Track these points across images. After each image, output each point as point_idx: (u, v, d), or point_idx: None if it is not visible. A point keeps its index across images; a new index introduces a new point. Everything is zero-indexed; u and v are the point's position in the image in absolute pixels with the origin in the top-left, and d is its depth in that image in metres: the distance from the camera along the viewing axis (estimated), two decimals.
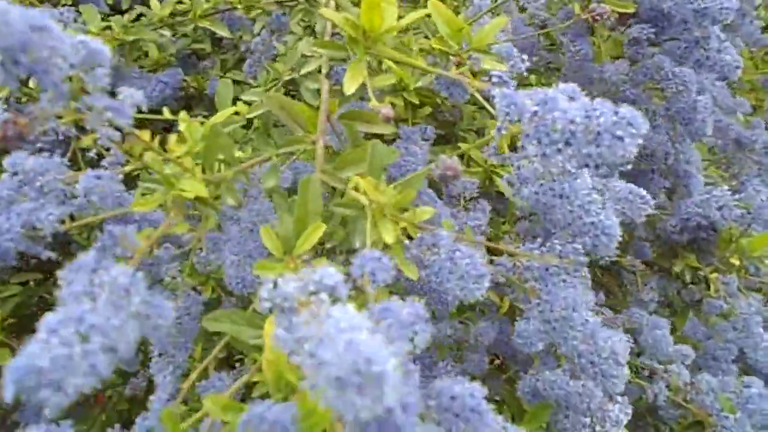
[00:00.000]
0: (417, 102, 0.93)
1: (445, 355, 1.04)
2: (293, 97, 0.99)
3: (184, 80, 1.38)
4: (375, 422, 0.35)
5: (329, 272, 0.37)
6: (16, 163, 0.58)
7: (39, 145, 0.61)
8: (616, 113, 0.45)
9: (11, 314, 1.16)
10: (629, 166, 0.85)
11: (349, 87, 0.59)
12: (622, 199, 0.78)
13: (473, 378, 1.06)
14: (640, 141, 0.46)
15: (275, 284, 0.37)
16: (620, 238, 0.62)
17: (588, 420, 0.79)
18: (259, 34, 1.21)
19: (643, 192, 0.77)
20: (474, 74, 0.65)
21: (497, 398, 1.10)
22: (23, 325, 1.20)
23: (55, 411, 0.35)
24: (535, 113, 0.47)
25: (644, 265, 1.23)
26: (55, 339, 0.35)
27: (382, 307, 0.40)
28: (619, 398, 0.82)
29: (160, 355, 0.78)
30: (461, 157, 0.98)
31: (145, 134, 0.52)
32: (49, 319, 0.36)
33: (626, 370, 0.82)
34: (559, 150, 0.47)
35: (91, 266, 0.41)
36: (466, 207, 0.88)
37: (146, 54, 1.39)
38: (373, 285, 0.44)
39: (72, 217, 0.59)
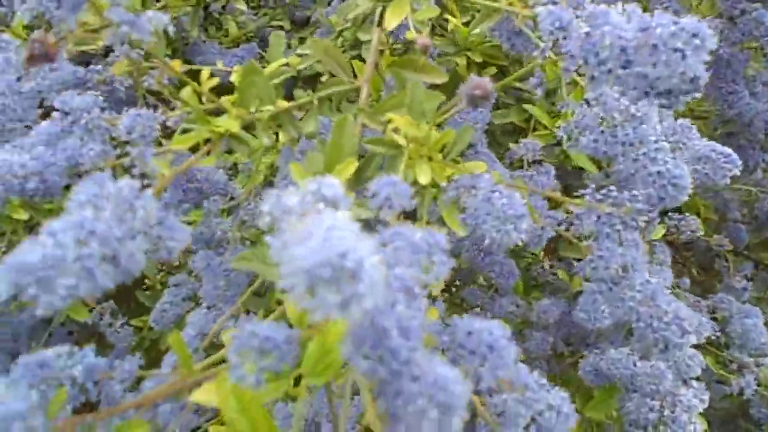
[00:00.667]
0: (480, 60, 0.88)
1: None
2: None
3: (261, 54, 1.40)
4: (369, 342, 0.31)
5: (328, 182, 0.34)
6: (65, 101, 0.60)
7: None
8: (676, 23, 0.39)
9: None
10: (716, 131, 0.76)
11: (391, 22, 0.56)
12: (702, 158, 0.69)
13: (535, 359, 1.00)
14: (707, 57, 0.39)
15: (277, 198, 0.35)
16: (691, 198, 0.54)
17: (656, 404, 0.72)
18: (329, 4, 1.21)
19: (729, 150, 0.68)
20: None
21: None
22: None
23: (49, 311, 0.34)
24: (583, 31, 0.41)
25: (735, 255, 1.11)
26: (51, 240, 0.34)
27: (393, 231, 0.37)
28: (694, 383, 0.74)
29: (208, 308, 0.79)
30: (528, 120, 0.92)
31: (176, 64, 0.51)
32: (51, 224, 0.36)
33: (702, 358, 0.74)
34: (610, 71, 0.41)
35: (103, 180, 0.40)
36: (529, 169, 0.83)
37: (227, 32, 1.42)
38: (389, 211, 0.40)
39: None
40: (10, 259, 0.33)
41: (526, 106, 0.88)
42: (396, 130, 0.56)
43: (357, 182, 0.59)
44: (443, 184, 0.52)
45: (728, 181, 0.70)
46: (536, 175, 0.82)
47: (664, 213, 0.97)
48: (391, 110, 0.58)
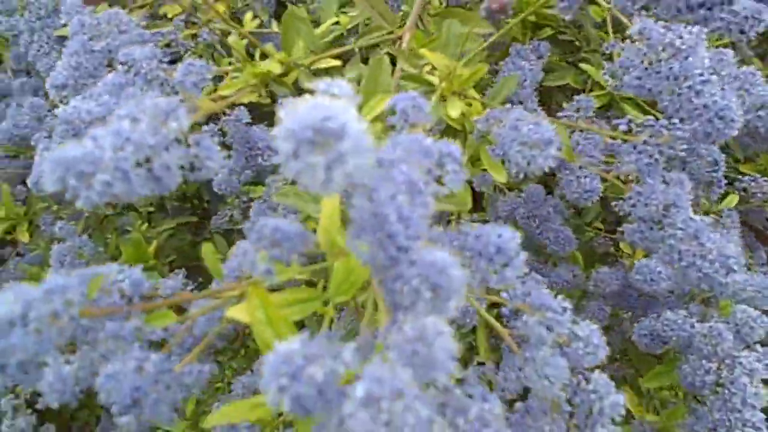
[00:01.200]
0: (534, 20, 0.87)
1: None
2: None
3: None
4: (369, 228, 0.32)
5: (338, 83, 0.35)
6: (128, 53, 0.65)
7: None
8: None
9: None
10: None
11: None
12: (765, 105, 0.66)
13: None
14: None
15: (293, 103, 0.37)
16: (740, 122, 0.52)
17: (714, 366, 0.68)
18: None
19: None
20: None
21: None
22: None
23: (88, 205, 0.37)
24: None
25: None
26: (92, 143, 0.38)
27: (405, 135, 0.37)
28: (759, 347, 0.69)
29: None
30: (586, 82, 0.90)
31: (220, 6, 0.54)
32: (94, 130, 0.39)
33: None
34: None
35: (143, 98, 0.43)
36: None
37: None
38: (406, 125, 0.41)
39: None
40: (55, 154, 0.37)
41: (583, 65, 0.86)
42: (431, 72, 0.57)
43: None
44: (474, 118, 0.53)
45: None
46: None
47: (731, 181, 0.92)
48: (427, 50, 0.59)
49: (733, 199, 0.99)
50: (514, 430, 0.45)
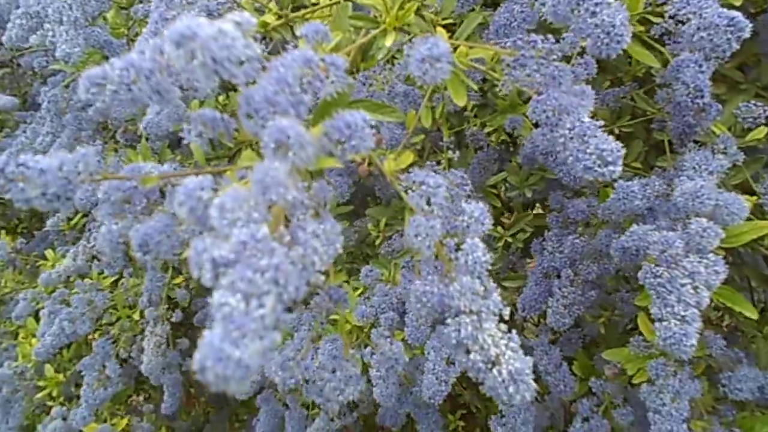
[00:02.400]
0: None
1: None
2: None
3: None
4: (246, 104, 0.49)
5: (315, 24, 0.52)
6: None
7: None
8: None
9: None
10: None
11: None
12: (706, 28, 0.71)
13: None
14: None
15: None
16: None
17: (662, 269, 0.74)
18: None
19: (734, 13, 0.69)
20: None
21: None
22: None
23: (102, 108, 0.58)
24: None
25: None
26: (109, 69, 0.59)
27: (296, 51, 0.53)
28: (711, 256, 0.74)
29: None
30: None
31: None
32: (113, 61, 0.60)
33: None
34: None
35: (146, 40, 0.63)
36: None
37: None
38: (309, 45, 0.57)
39: None
40: (85, 73, 0.58)
41: None
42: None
43: (363, 57, 0.76)
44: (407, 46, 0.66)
45: (736, 46, 0.70)
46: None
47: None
48: None
49: (761, 131, 0.99)
50: (403, 280, 0.59)
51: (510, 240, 1.19)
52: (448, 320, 0.56)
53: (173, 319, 1.68)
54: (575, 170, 0.61)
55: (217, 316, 0.40)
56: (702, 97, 0.82)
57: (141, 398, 2.17)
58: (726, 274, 0.75)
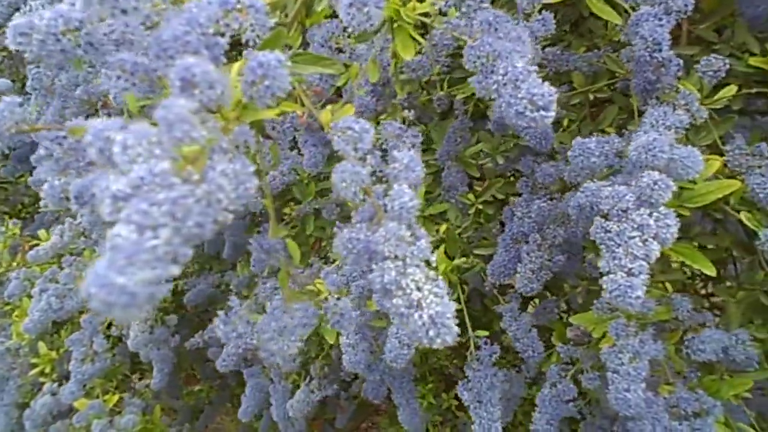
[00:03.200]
0: None
1: None
2: None
3: None
4: (156, 44, 0.49)
5: None
6: None
7: None
8: None
9: None
10: None
11: None
12: None
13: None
14: None
15: None
16: None
17: (612, 223, 0.73)
18: None
19: None
20: None
21: None
22: None
23: (32, 57, 0.58)
24: None
25: None
26: (36, 17, 0.58)
27: None
28: (662, 209, 0.73)
29: None
30: None
31: None
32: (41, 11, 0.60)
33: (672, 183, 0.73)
34: None
35: None
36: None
37: None
38: None
39: None
40: (12, 23, 0.58)
41: None
42: None
43: (307, 13, 0.75)
44: None
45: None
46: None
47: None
48: None
49: (730, 90, 0.97)
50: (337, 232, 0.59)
51: (480, 207, 1.18)
52: (373, 266, 0.56)
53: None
54: (508, 116, 0.60)
55: (108, 246, 0.40)
56: (660, 50, 0.80)
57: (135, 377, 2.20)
58: (686, 231, 0.74)
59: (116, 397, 1.83)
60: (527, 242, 1.04)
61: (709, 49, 1.08)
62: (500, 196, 1.21)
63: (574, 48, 1.22)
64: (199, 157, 0.49)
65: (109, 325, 1.92)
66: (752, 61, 0.99)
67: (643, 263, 0.70)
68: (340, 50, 0.95)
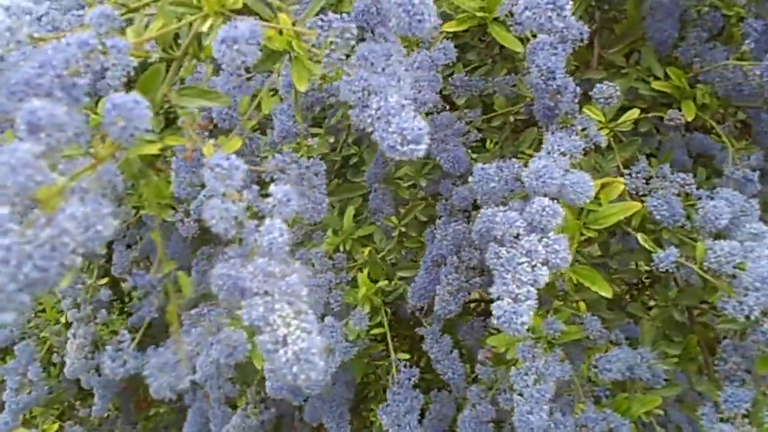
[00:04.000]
0: None
1: None
2: None
3: None
4: None
5: None
6: None
7: None
8: None
9: None
10: None
11: None
12: (530, 7, 0.71)
13: None
14: None
15: None
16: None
17: (503, 249, 0.74)
18: None
19: None
20: None
21: None
22: None
23: None
24: None
25: None
26: None
27: None
28: (551, 235, 0.75)
29: None
30: None
31: None
32: None
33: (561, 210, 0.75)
34: None
35: None
36: None
37: None
38: None
39: None
40: None
41: None
42: None
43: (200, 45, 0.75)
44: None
45: (559, 24, 0.71)
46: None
47: None
48: None
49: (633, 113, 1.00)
50: None
51: (404, 229, 1.19)
52: (242, 303, 0.56)
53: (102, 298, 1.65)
54: (383, 149, 0.61)
55: None
56: (554, 78, 0.82)
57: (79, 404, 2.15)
58: (570, 256, 0.76)
59: (56, 426, 1.79)
60: (446, 264, 1.06)
61: (618, 73, 1.11)
62: (424, 219, 1.22)
63: (496, 71, 1.25)
64: (53, 199, 0.49)
65: (51, 352, 1.88)
66: (655, 85, 1.03)
67: (531, 289, 0.72)
68: (249, 78, 0.96)
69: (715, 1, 1.14)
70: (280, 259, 0.58)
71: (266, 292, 0.56)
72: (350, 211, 1.28)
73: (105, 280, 1.73)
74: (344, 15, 0.62)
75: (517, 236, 0.75)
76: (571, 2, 0.70)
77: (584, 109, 0.96)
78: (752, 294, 0.77)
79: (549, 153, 0.83)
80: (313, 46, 0.64)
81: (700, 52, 1.04)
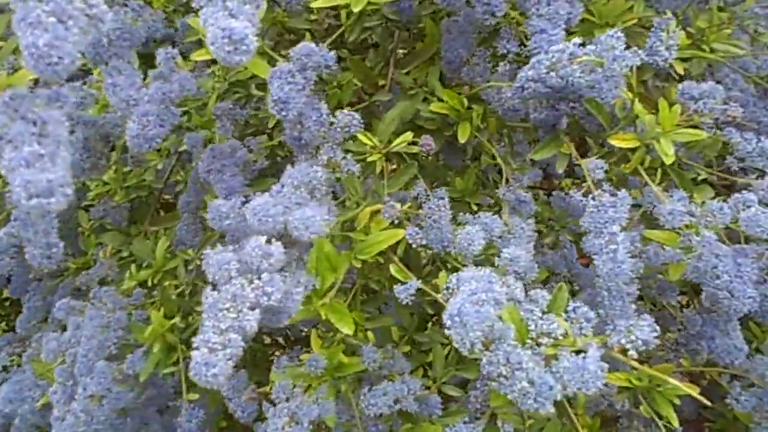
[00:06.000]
0: None
1: None
2: None
3: None
4: None
5: None
6: None
7: None
8: None
9: None
10: None
11: None
12: None
13: None
14: None
15: None
16: None
17: (211, 294, 0.71)
18: None
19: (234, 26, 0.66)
20: None
21: None
22: None
23: None
24: None
25: None
26: None
27: None
28: (265, 276, 0.71)
29: None
30: None
31: None
32: None
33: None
34: None
35: None
36: None
37: None
38: None
39: None
40: None
41: None
42: None
43: None
44: None
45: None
46: None
47: None
48: None
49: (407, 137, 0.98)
50: None
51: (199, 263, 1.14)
52: None
53: None
54: None
55: None
56: (287, 109, 0.79)
57: None
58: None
59: None
60: None
61: (404, 94, 1.09)
62: None
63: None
64: None
65: None
66: (434, 107, 1.01)
67: (234, 336, 0.68)
68: None
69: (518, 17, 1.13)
70: None
71: None
72: (163, 242, 1.23)
73: None
74: None
75: (231, 279, 0.71)
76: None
77: (359, 135, 0.94)
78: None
79: (284, 187, 0.80)
80: None
81: (480, 72, 1.03)
